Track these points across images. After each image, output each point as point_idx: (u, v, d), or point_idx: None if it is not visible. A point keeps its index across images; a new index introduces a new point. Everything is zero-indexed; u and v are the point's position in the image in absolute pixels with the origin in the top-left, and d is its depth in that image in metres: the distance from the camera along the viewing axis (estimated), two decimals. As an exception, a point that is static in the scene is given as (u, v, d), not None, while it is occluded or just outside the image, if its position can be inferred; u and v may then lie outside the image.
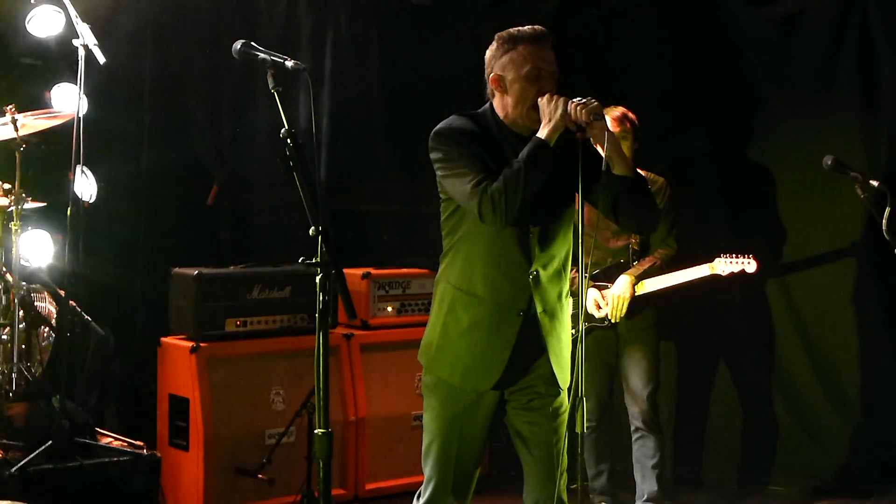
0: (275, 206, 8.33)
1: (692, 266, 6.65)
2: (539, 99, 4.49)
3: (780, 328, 7.98)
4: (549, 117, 4.44)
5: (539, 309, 4.64)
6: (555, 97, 4.44)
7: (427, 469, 4.84)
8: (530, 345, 4.66)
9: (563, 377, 4.69)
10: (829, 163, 5.95)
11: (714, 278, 6.59)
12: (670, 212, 6.82)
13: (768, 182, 7.97)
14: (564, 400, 4.73)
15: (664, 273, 6.68)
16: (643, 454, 6.88)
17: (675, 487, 7.30)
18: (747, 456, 7.97)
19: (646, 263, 6.69)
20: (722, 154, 8.06)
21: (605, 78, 7.81)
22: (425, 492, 4.84)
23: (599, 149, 4.49)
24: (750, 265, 6.57)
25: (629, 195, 4.56)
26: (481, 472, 4.97)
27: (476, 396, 4.71)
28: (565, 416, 4.74)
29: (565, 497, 4.69)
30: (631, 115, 6.66)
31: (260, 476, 6.98)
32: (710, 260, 6.67)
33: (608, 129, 4.45)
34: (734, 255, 6.61)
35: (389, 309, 7.61)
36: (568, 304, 4.80)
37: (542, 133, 4.44)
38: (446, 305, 4.77)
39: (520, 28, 4.64)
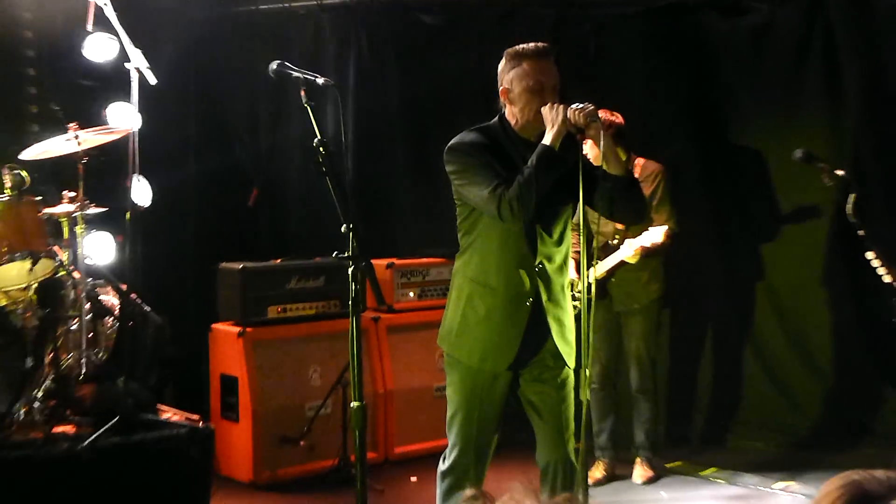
0: (308, 205, 8.34)
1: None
2: (542, 108, 4.49)
3: (758, 302, 7.94)
4: (552, 123, 4.45)
5: (545, 297, 4.66)
6: (555, 105, 4.44)
7: (451, 436, 4.85)
8: (539, 328, 4.68)
9: (569, 354, 4.69)
10: (799, 155, 5.92)
11: (645, 251, 6.50)
12: (666, 197, 6.80)
13: (744, 173, 7.94)
14: (570, 372, 4.74)
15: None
16: (639, 414, 6.97)
17: (667, 443, 7.25)
18: (729, 416, 7.94)
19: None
20: (703, 149, 8.03)
21: (597, 84, 7.76)
22: (450, 456, 4.86)
23: (596, 148, 4.49)
24: (651, 233, 6.45)
25: (622, 193, 4.57)
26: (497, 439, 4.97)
27: (492, 373, 4.72)
28: (571, 386, 4.75)
29: (574, 458, 4.69)
30: (618, 120, 6.59)
31: (301, 443, 7.01)
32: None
33: (604, 131, 4.44)
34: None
35: (411, 294, 7.61)
36: (568, 289, 4.81)
37: (547, 139, 4.45)
38: (464, 296, 4.79)
39: (525, 45, 4.65)
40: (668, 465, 7.13)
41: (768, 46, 7.81)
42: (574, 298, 6.50)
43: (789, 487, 6.76)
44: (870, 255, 5.25)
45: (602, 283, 6.70)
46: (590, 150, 5.18)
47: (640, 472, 6.94)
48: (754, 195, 7.92)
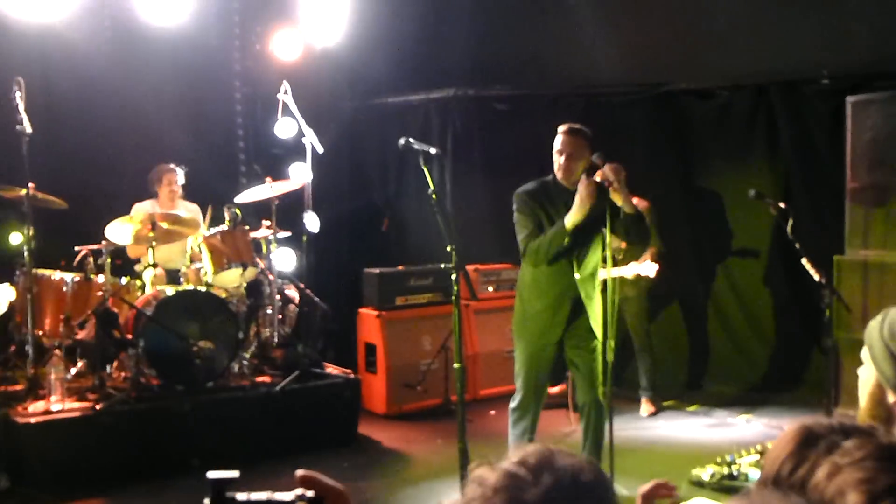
0: (421, 230, 8.31)
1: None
2: (579, 184, 4.45)
3: (723, 292, 7.76)
4: (578, 205, 4.42)
5: (583, 294, 4.61)
6: (588, 183, 4.40)
7: (517, 384, 4.85)
8: (577, 314, 4.66)
9: (597, 331, 4.64)
10: (752, 194, 5.76)
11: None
12: (653, 225, 6.68)
13: (713, 205, 7.76)
14: (598, 342, 4.67)
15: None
16: (642, 365, 6.86)
17: (663, 388, 7.11)
18: (704, 369, 7.77)
19: (646, 256, 6.54)
20: (685, 190, 7.88)
21: (614, 147, 7.65)
22: (516, 398, 4.86)
23: (621, 196, 4.44)
24: (646, 267, 6.34)
25: (633, 224, 4.52)
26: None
27: (545, 346, 4.69)
28: (599, 351, 4.69)
29: (602, 399, 4.64)
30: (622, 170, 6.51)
31: (418, 388, 6.99)
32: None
33: (623, 185, 4.41)
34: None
35: (490, 288, 7.56)
36: (598, 292, 4.74)
37: (568, 220, 4.45)
38: (524, 296, 4.83)
39: (562, 125, 4.63)
40: (664, 404, 6.99)
41: (729, 119, 7.65)
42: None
43: (749, 419, 6.60)
44: (804, 260, 5.10)
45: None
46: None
47: (646, 408, 6.81)
48: (719, 221, 7.74)
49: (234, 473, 1.23)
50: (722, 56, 7.55)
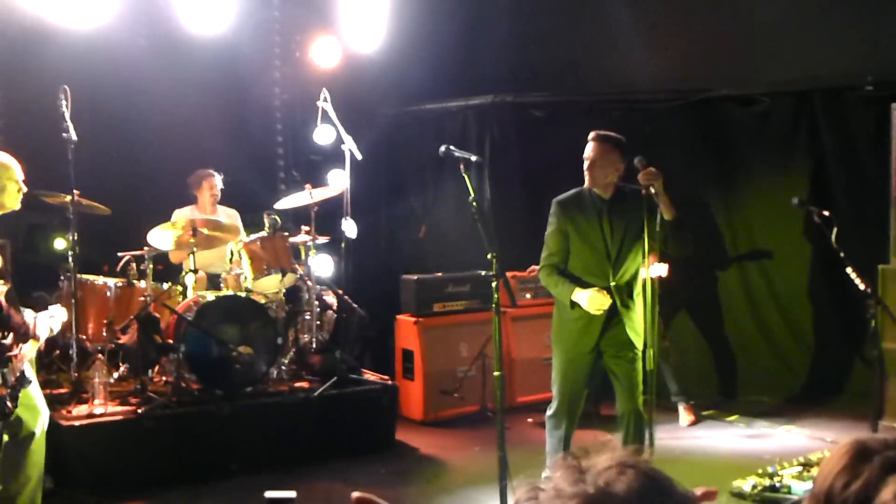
0: (458, 237, 8.29)
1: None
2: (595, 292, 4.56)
3: (763, 300, 7.66)
4: (585, 302, 4.53)
5: (618, 303, 4.57)
6: (598, 298, 4.53)
7: (554, 391, 4.84)
8: (613, 324, 4.64)
9: (637, 339, 4.60)
10: (796, 202, 5.69)
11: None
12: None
13: (754, 212, 7.69)
14: (638, 352, 4.64)
15: None
16: (667, 371, 6.76)
17: (701, 398, 7.04)
18: (744, 378, 7.66)
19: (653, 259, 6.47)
20: (722, 195, 7.81)
21: (651, 153, 7.59)
22: (553, 405, 4.85)
23: (661, 202, 4.40)
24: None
25: (673, 230, 4.47)
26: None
27: (581, 354, 4.67)
28: (639, 360, 4.65)
29: (641, 408, 4.61)
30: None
31: (454, 395, 6.97)
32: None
33: (662, 190, 4.37)
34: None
35: (528, 296, 7.52)
36: (639, 298, 4.69)
37: (574, 297, 4.58)
38: (561, 304, 4.80)
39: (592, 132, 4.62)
40: (704, 413, 6.91)
41: (770, 126, 7.57)
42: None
43: (791, 429, 6.50)
44: (849, 269, 5.03)
45: None
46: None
47: (686, 416, 6.71)
48: (759, 228, 7.66)
49: (292, 494, 1.24)
50: (763, 62, 7.49)
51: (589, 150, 4.60)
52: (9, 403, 4.07)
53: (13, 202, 4.31)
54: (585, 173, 4.61)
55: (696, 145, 7.84)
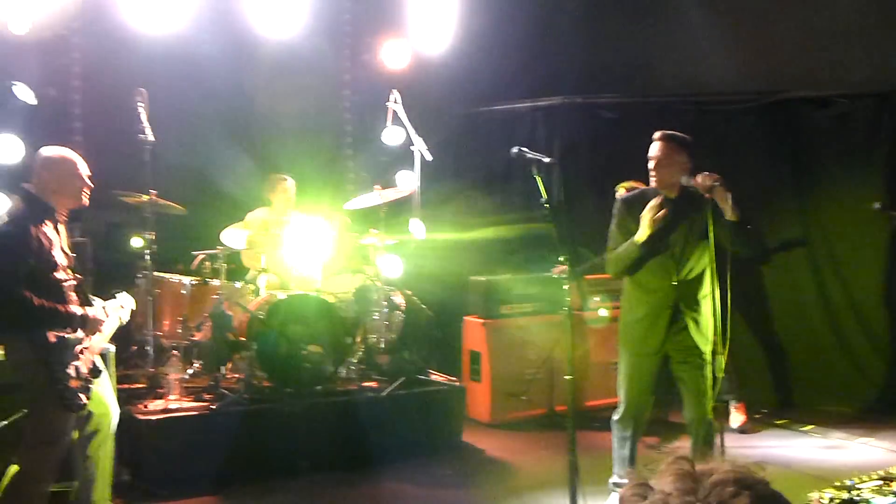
0: (528, 239, 8.24)
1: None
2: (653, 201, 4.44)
3: (838, 305, 7.45)
4: (644, 224, 4.41)
5: (683, 303, 4.52)
6: (653, 210, 4.38)
7: (620, 395, 4.82)
8: (679, 324, 4.58)
9: (704, 344, 4.54)
10: (878, 206, 5.52)
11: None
12: None
13: (830, 216, 7.49)
14: (707, 356, 4.57)
15: None
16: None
17: (776, 406, 6.89)
18: (820, 387, 7.43)
19: None
20: (797, 198, 7.61)
21: (725, 156, 7.43)
22: (619, 409, 4.83)
23: (721, 204, 4.33)
24: None
25: (737, 232, 4.40)
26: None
27: (647, 357, 4.60)
28: (707, 365, 4.58)
29: (711, 415, 4.53)
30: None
31: (522, 397, 6.94)
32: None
33: (722, 192, 4.31)
34: None
35: (597, 298, 7.42)
36: (709, 299, 4.61)
37: (639, 235, 4.45)
38: (627, 304, 4.80)
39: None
40: (777, 423, 6.75)
41: (847, 128, 7.37)
42: None
43: (869, 441, 6.31)
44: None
45: None
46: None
47: (737, 416, 6.53)
48: (836, 232, 7.45)
49: None
50: (841, 63, 7.30)
51: (654, 149, 4.55)
52: (82, 396, 4.15)
53: (77, 198, 4.34)
54: (651, 173, 4.55)
55: (770, 148, 7.67)
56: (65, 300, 4.18)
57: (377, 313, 6.58)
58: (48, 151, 4.34)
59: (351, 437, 5.79)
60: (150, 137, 5.57)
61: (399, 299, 6.81)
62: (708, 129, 7.74)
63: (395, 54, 7.97)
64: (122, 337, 6.26)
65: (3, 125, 6.18)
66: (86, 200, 4.39)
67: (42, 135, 6.26)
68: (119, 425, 5.07)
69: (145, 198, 5.70)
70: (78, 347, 4.17)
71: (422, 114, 7.39)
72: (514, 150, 4.07)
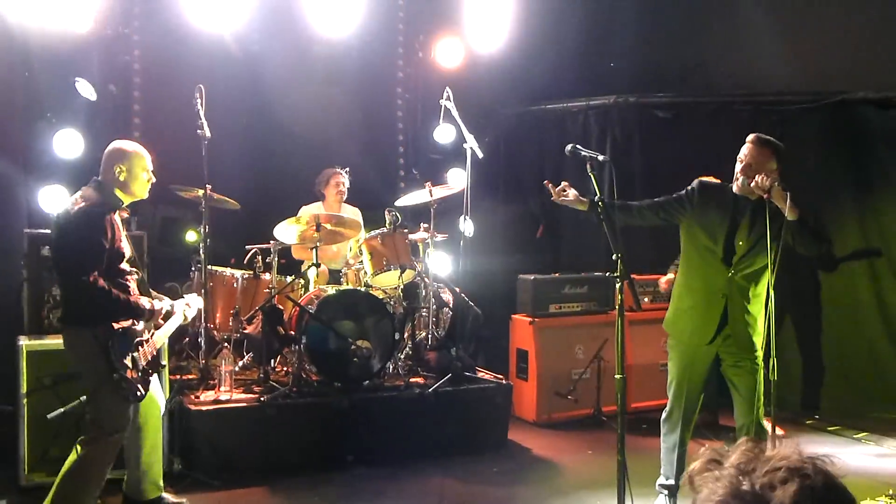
0: (576, 237, 8.23)
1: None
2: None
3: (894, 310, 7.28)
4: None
5: (733, 301, 4.48)
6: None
7: (670, 396, 4.75)
8: (731, 318, 4.50)
9: (753, 343, 4.46)
10: None
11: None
12: None
13: (890, 219, 7.31)
14: (760, 360, 4.49)
15: None
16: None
17: (828, 413, 6.76)
18: (872, 394, 7.28)
19: None
20: (856, 201, 7.45)
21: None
22: (668, 408, 4.77)
23: (779, 204, 4.25)
24: None
25: (798, 232, 4.31)
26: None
27: (698, 351, 4.54)
28: (760, 370, 4.51)
29: (763, 420, 4.45)
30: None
31: (569, 397, 6.92)
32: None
33: (780, 192, 4.22)
34: None
35: (646, 299, 7.37)
36: (762, 299, 4.53)
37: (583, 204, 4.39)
38: (677, 295, 4.75)
39: (751, 134, 4.46)
40: (829, 429, 6.62)
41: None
42: None
43: (924, 450, 6.16)
44: None
45: None
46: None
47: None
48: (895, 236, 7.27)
49: None
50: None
51: (745, 151, 4.44)
52: (140, 387, 4.24)
53: (142, 191, 4.45)
54: (738, 174, 4.44)
55: (830, 149, 7.52)
56: (129, 292, 4.28)
57: (425, 310, 6.61)
58: (118, 145, 4.44)
59: (397, 433, 5.82)
60: (207, 133, 5.65)
61: (447, 296, 6.82)
62: (764, 131, 7.52)
63: (448, 52, 7.98)
64: (176, 329, 6.41)
65: (64, 120, 6.35)
66: (147, 194, 4.49)
67: (102, 130, 6.43)
68: (171, 415, 5.20)
69: (200, 192, 5.79)
70: (137, 339, 4.27)
71: (474, 112, 7.39)
72: (569, 147, 4.02)
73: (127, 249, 4.31)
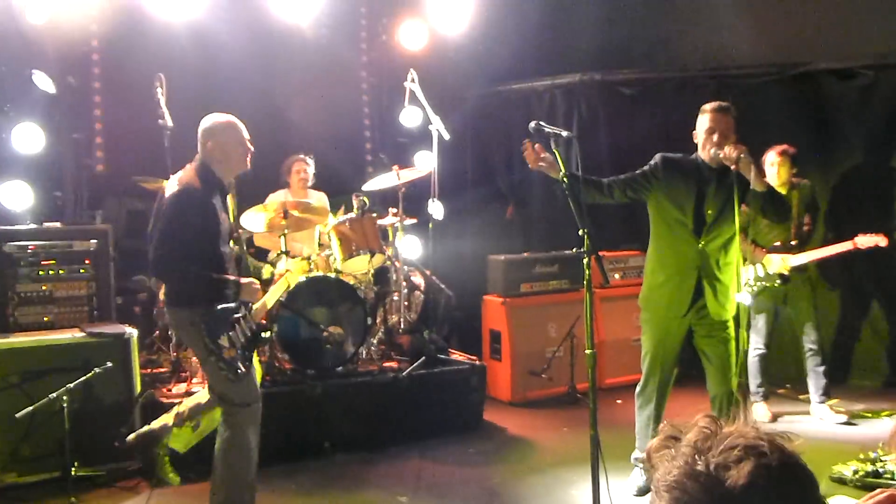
0: (545, 216, 8.22)
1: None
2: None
3: (860, 280, 7.32)
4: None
5: (705, 270, 4.51)
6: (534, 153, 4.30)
7: (643, 370, 4.79)
8: (704, 290, 4.54)
9: (725, 312, 4.49)
10: None
11: (856, 251, 6.00)
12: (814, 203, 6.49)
13: (853, 191, 7.32)
14: (731, 330, 4.53)
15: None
16: (814, 364, 6.26)
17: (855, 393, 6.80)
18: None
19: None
20: (820, 172, 7.41)
21: (744, 131, 7.36)
22: (642, 384, 4.81)
23: (746, 174, 4.28)
24: (882, 241, 5.86)
25: (766, 202, 4.34)
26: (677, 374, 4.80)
27: (672, 324, 4.56)
28: (732, 341, 4.55)
29: (735, 390, 4.49)
30: (790, 149, 6.25)
31: (543, 375, 6.94)
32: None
33: (747, 163, 4.24)
34: (872, 234, 5.91)
35: (617, 276, 7.41)
36: (732, 267, 4.57)
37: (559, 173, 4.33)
38: (650, 268, 4.77)
39: (709, 104, 4.45)
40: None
41: (873, 100, 7.21)
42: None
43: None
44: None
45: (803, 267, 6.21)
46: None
47: (832, 415, 6.25)
48: (859, 207, 7.27)
49: None
50: (865, 34, 7.15)
51: (716, 121, 4.42)
52: (240, 365, 4.08)
53: (241, 164, 4.29)
54: (711, 146, 4.42)
55: (793, 121, 7.53)
56: (226, 272, 4.13)
57: (397, 294, 6.58)
58: (211, 120, 4.27)
59: (372, 418, 5.81)
60: (169, 123, 5.56)
61: (418, 279, 6.80)
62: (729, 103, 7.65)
63: (412, 35, 7.92)
64: (145, 322, 6.34)
65: (23, 114, 6.22)
66: (249, 165, 4.32)
67: (62, 123, 6.32)
68: (143, 408, 5.13)
69: (164, 183, 5.70)
70: (234, 317, 4.11)
71: (440, 94, 7.35)
72: (533, 124, 4.00)
73: (227, 230, 4.18)
